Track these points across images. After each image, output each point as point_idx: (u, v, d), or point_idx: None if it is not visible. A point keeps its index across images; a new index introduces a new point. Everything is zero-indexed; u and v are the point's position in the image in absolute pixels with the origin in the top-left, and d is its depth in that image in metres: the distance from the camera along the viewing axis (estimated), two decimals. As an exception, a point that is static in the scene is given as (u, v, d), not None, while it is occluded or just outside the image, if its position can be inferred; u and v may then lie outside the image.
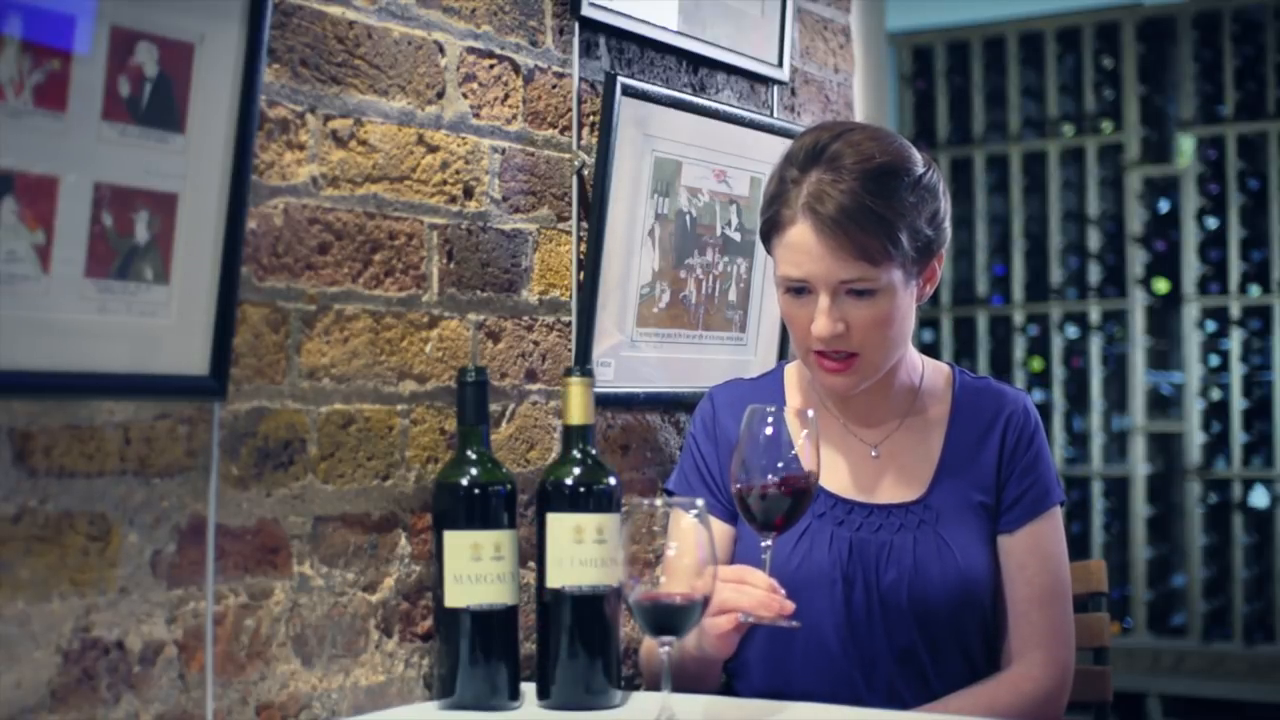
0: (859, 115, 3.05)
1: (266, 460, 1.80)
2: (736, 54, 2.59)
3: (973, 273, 6.26)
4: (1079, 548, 5.79)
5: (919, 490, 2.07)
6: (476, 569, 1.88)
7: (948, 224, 2.04)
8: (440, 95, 2.04)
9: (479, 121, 2.10)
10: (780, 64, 2.69)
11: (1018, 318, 6.17)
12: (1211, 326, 5.87)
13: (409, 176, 1.99)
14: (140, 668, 1.64)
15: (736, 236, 2.57)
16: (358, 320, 1.92)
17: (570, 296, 2.27)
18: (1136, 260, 5.97)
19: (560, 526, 1.91)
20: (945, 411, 2.11)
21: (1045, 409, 6.02)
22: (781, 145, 2.12)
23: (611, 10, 2.30)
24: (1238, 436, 5.79)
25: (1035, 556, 2.06)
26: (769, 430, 1.82)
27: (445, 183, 2.05)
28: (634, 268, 2.36)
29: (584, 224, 2.28)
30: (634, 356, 2.38)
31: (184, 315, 1.64)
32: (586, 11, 2.25)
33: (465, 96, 2.08)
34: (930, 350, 6.17)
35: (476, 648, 1.89)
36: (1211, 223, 5.86)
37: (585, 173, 2.27)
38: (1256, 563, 5.79)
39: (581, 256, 2.28)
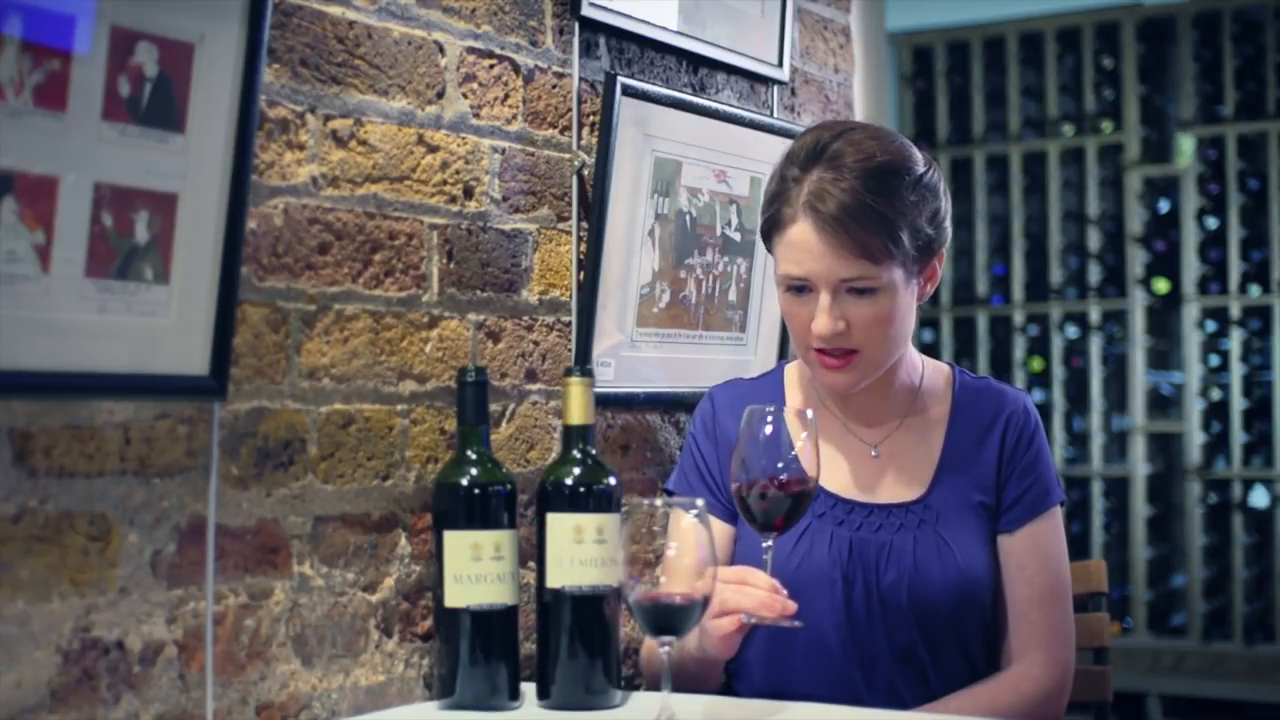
0: (859, 115, 3.05)
1: (266, 460, 1.80)
2: (736, 54, 2.59)
3: (973, 273, 6.26)
4: (1079, 548, 5.79)
5: (919, 490, 2.07)
6: (476, 569, 1.88)
7: (948, 223, 2.04)
8: (440, 95, 2.04)
9: (479, 121, 2.10)
10: (780, 64, 2.69)
11: (1018, 318, 6.17)
12: (1211, 326, 5.87)
13: (409, 176, 1.99)
14: (140, 668, 1.64)
15: (736, 236, 2.57)
16: (358, 320, 1.92)
17: (570, 296, 2.27)
18: (1136, 260, 5.97)
19: (560, 526, 1.91)
20: (945, 411, 2.11)
21: (1045, 409, 6.02)
22: (781, 145, 2.13)
23: (611, 10, 2.30)
24: (1238, 436, 5.79)
25: (1035, 556, 2.06)
26: (769, 430, 1.82)
27: (445, 183, 2.05)
28: (634, 268, 2.36)
29: (584, 224, 2.28)
30: (634, 356, 2.38)
31: (184, 315, 1.64)
32: (586, 11, 2.25)
33: (465, 96, 2.08)
34: (930, 350, 6.17)
35: (476, 648, 1.89)
36: (1211, 223, 5.86)
37: (585, 173, 2.27)
38: (1256, 563, 5.79)
39: (581, 256, 2.28)
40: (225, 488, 1.74)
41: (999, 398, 2.12)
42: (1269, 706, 5.57)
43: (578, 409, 1.94)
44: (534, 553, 1.99)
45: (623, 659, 2.09)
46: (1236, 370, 5.79)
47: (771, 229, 2.01)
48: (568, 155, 2.26)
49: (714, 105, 2.48)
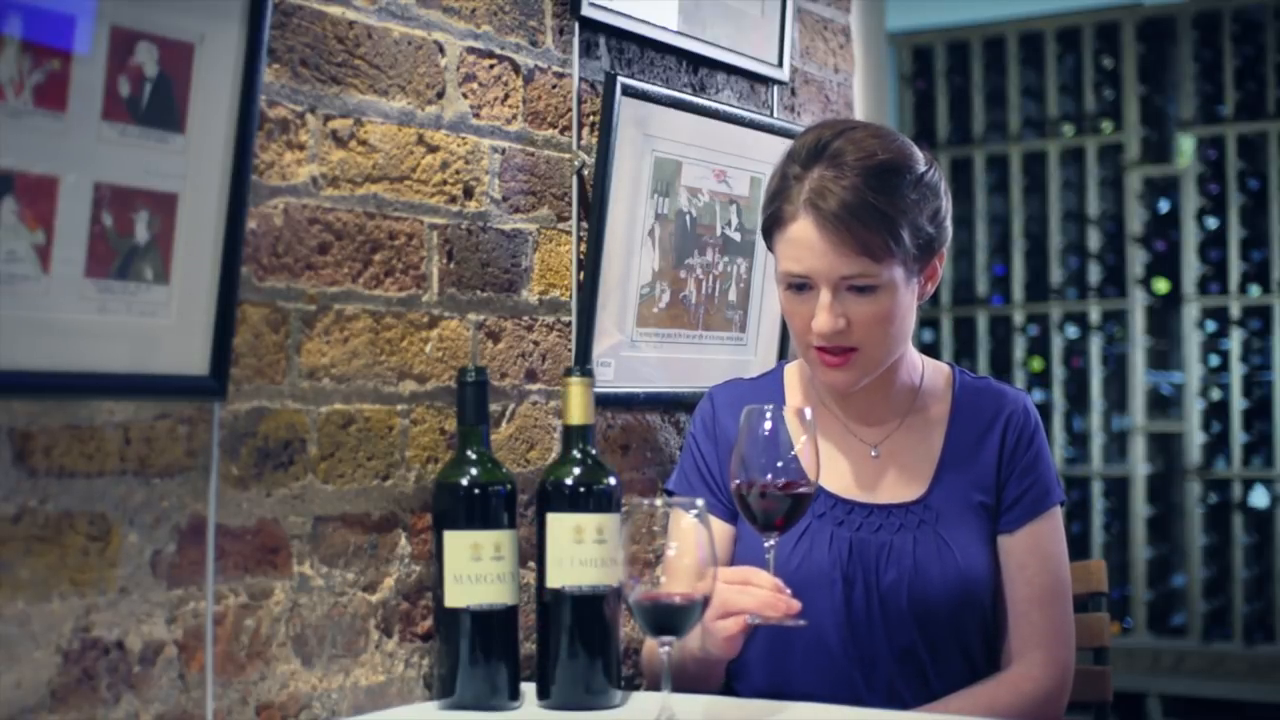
0: (859, 115, 3.05)
1: (266, 460, 1.80)
2: (736, 54, 2.59)
3: (973, 273, 6.26)
4: (1079, 548, 5.79)
5: (919, 490, 2.07)
6: (476, 569, 1.88)
7: (949, 222, 2.05)
8: (440, 95, 2.04)
9: (479, 121, 2.10)
10: (780, 64, 2.69)
11: (1018, 318, 6.17)
12: (1211, 326, 5.87)
13: (409, 176, 1.99)
14: (140, 668, 1.64)
15: (736, 236, 2.57)
16: (358, 320, 1.92)
17: (570, 296, 2.27)
18: (1136, 260, 5.97)
19: (560, 526, 1.91)
20: (945, 411, 2.11)
21: (1045, 409, 6.02)
22: (781, 145, 2.13)
23: (611, 10, 2.30)
24: (1238, 436, 5.79)
25: (1035, 556, 2.06)
26: (768, 429, 1.82)
27: (445, 183, 2.05)
28: (634, 268, 2.36)
29: (584, 224, 2.28)
30: (634, 356, 2.38)
31: (184, 315, 1.64)
32: (586, 11, 2.25)
33: (465, 96, 2.08)
34: (930, 350, 6.17)
35: (476, 648, 1.89)
36: (1211, 223, 5.86)
37: (585, 173, 2.27)
38: (1256, 563, 5.79)
39: (581, 256, 2.28)
40: (225, 488, 1.74)
41: (999, 398, 2.12)
42: (1269, 706, 5.57)
43: (578, 409, 1.94)
44: (534, 553, 1.99)
45: (623, 659, 2.09)
46: (1236, 370, 5.79)
47: (772, 226, 2.01)
48: (568, 155, 2.26)
49: (714, 105, 2.48)
